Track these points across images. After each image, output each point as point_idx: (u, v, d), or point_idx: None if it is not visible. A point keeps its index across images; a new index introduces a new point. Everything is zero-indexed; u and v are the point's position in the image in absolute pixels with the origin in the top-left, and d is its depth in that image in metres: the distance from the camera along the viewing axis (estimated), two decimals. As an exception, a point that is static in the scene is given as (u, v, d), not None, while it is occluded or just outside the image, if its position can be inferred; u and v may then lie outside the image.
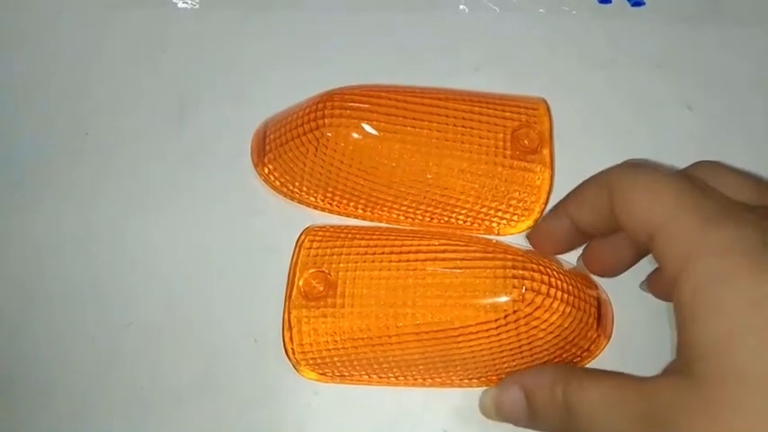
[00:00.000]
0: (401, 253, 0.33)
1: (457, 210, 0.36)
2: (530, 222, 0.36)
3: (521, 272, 0.31)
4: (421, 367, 0.33)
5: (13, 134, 0.40)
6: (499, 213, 0.36)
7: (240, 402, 0.35)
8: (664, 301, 0.34)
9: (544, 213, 0.35)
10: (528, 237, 0.35)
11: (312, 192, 0.37)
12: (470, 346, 0.32)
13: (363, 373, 0.34)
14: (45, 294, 0.37)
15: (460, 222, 0.36)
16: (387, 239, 0.34)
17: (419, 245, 0.34)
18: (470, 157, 0.35)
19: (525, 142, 0.35)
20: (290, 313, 0.33)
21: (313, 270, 0.34)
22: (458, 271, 0.32)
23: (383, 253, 0.33)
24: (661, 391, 0.24)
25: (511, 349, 0.32)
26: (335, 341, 0.33)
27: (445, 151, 0.34)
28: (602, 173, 0.30)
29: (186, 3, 0.42)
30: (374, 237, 0.35)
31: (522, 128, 0.35)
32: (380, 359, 0.33)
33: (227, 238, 0.37)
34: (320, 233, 0.35)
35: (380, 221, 0.37)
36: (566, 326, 0.31)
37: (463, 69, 0.40)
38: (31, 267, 0.38)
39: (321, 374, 0.34)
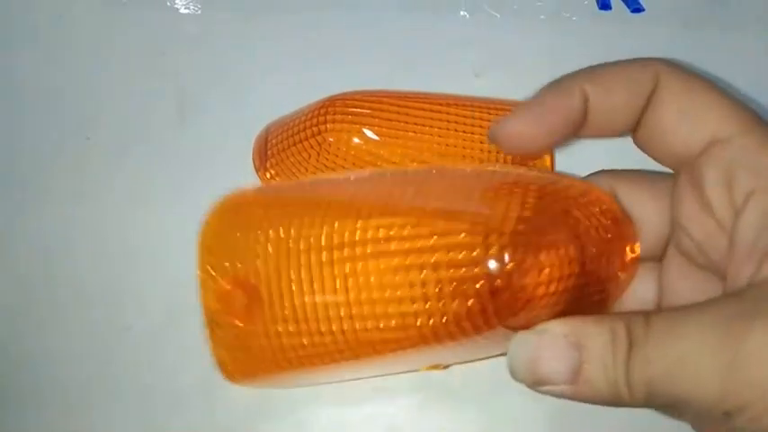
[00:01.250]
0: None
1: (458, 215, 0.36)
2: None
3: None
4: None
5: (14, 137, 0.40)
6: (500, 218, 0.36)
7: (240, 403, 0.35)
8: None
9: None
10: (492, 135, 0.26)
11: (313, 196, 0.37)
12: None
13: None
14: (44, 296, 0.37)
15: (461, 227, 0.36)
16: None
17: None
18: (471, 162, 0.35)
19: (526, 147, 0.35)
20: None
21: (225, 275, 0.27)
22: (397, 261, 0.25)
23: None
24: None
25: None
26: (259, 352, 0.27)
27: (446, 156, 0.35)
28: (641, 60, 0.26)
29: (188, 8, 0.42)
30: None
31: (522, 133, 0.35)
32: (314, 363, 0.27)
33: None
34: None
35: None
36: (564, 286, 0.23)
37: (464, 75, 0.40)
38: (30, 270, 0.38)
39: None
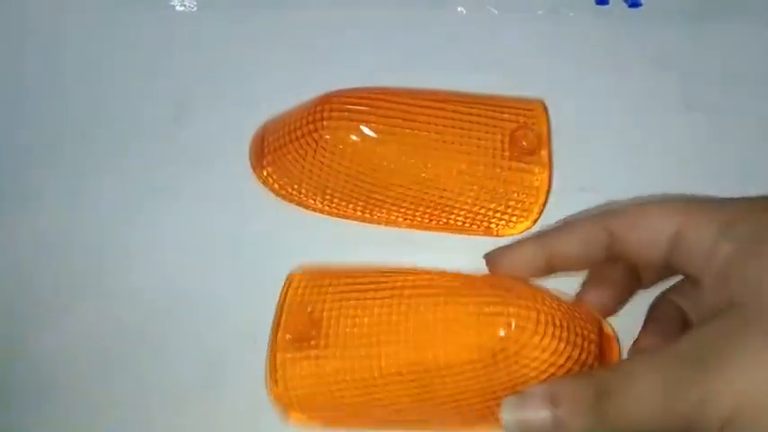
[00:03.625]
0: (385, 289, 0.32)
1: (455, 211, 0.36)
2: (528, 224, 0.36)
3: (507, 308, 0.30)
4: (412, 410, 0.32)
5: (12, 136, 0.40)
6: (497, 214, 0.36)
7: (240, 404, 0.35)
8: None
9: (519, 239, 0.34)
10: (490, 258, 0.33)
11: (311, 194, 0.37)
12: (458, 386, 0.30)
13: (352, 417, 0.33)
14: (42, 296, 0.37)
15: (459, 223, 0.36)
16: (372, 276, 0.33)
17: (404, 279, 0.32)
18: (469, 158, 0.35)
19: (523, 144, 0.35)
20: (275, 356, 0.32)
21: (298, 311, 0.33)
22: (442, 306, 0.31)
23: (367, 290, 0.33)
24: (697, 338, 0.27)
25: (504, 389, 0.30)
26: (320, 384, 0.32)
27: (443, 153, 0.35)
28: (590, 211, 0.33)
29: (184, 5, 0.42)
30: (359, 274, 0.34)
31: (520, 129, 0.35)
32: (367, 402, 0.32)
33: (226, 240, 0.38)
34: (308, 274, 0.34)
35: (379, 223, 0.37)
36: (560, 363, 0.29)
37: (461, 71, 0.40)
38: (27, 269, 0.38)
39: (310, 418, 0.33)
